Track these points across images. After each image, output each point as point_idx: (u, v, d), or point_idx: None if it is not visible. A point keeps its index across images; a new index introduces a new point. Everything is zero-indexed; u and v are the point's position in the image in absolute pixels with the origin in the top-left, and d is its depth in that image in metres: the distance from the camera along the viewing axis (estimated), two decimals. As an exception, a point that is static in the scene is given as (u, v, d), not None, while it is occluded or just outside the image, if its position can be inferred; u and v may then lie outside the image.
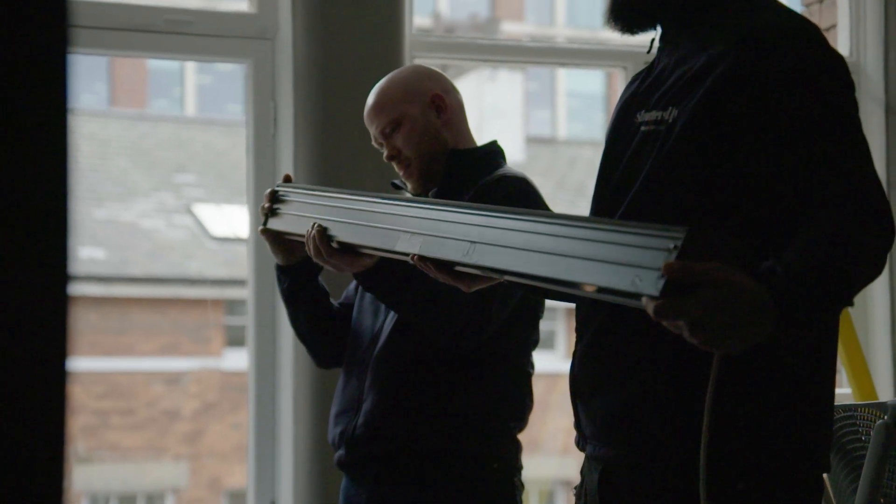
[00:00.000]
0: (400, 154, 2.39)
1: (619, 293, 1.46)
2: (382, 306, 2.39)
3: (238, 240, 12.09)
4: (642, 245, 1.45)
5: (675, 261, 1.39)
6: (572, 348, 1.81)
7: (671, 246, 1.41)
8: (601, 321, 1.74)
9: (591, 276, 1.50)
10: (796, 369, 1.67)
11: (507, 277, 1.71)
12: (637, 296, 1.43)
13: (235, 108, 15.17)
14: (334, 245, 2.15)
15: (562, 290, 1.62)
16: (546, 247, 1.59)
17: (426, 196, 2.42)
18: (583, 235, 1.54)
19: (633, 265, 1.44)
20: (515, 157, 14.73)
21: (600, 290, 1.50)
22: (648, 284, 1.41)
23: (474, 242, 1.73)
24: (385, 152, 2.42)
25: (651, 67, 1.81)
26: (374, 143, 2.45)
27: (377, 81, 2.47)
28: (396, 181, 2.49)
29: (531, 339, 2.40)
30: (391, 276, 2.24)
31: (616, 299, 1.48)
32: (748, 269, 1.45)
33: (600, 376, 1.75)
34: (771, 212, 1.62)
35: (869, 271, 1.55)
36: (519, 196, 2.31)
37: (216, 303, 12.89)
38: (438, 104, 2.42)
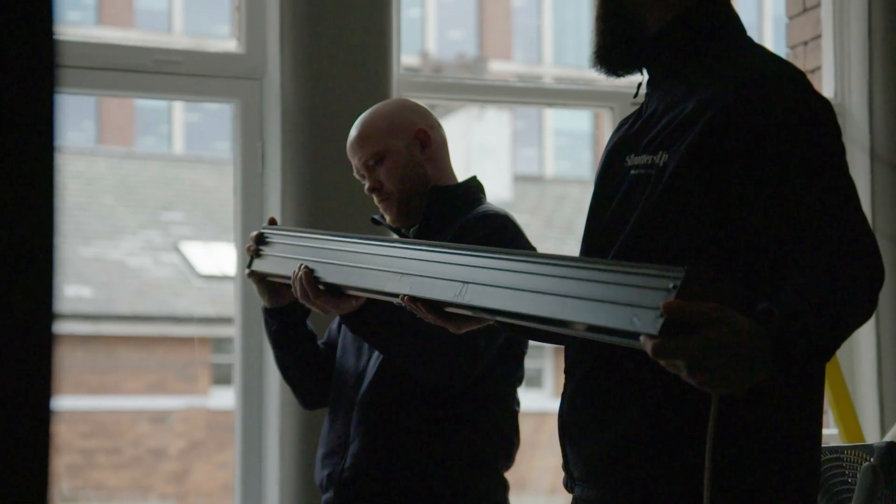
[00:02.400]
0: (381, 187, 2.40)
1: (616, 332, 1.46)
2: (365, 345, 2.38)
3: (225, 278, 12.07)
4: (640, 284, 1.45)
5: (674, 300, 1.40)
6: (561, 387, 1.81)
7: (670, 286, 1.42)
8: (591, 362, 1.74)
9: (589, 316, 1.51)
10: (784, 412, 1.67)
11: (499, 318, 1.72)
12: (635, 335, 1.43)
13: (223, 146, 15.20)
14: (321, 287, 2.15)
15: (557, 330, 1.63)
16: (541, 287, 1.59)
17: (406, 231, 2.42)
18: (580, 275, 1.54)
19: (631, 304, 1.45)
20: (503, 195, 14.77)
21: (597, 329, 1.50)
22: (647, 324, 1.42)
23: (466, 283, 1.74)
24: (366, 184, 2.42)
25: (640, 111, 1.83)
26: (355, 174, 2.45)
27: (364, 118, 2.48)
28: (376, 216, 2.49)
29: (516, 376, 2.40)
30: (378, 317, 2.24)
31: (613, 339, 1.48)
32: (745, 310, 1.46)
33: (590, 417, 1.75)
34: (761, 255, 1.64)
35: (861, 314, 1.57)
36: (502, 233, 2.31)
37: (203, 341, 12.86)
38: (423, 139, 2.42)
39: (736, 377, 1.44)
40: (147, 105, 16.48)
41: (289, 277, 2.21)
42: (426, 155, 2.41)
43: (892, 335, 3.76)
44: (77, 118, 16.05)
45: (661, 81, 1.78)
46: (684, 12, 1.76)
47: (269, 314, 2.43)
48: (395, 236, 2.47)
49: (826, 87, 3.88)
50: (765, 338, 1.45)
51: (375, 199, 2.42)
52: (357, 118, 2.49)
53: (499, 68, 18.04)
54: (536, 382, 13.84)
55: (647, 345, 1.42)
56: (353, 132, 2.44)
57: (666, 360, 1.43)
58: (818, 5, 3.94)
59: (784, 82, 1.67)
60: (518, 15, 19.04)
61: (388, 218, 2.42)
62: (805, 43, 4.00)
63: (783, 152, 1.62)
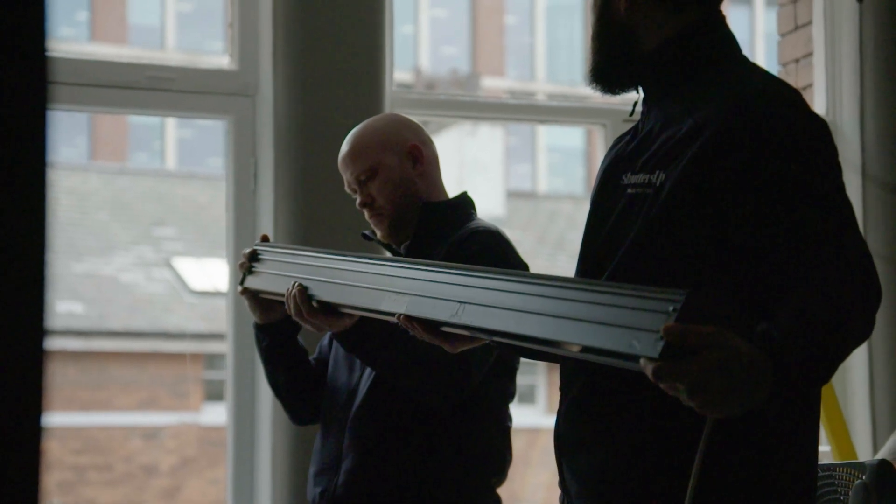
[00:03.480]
0: (373, 202, 2.39)
1: (616, 354, 1.47)
2: (357, 361, 2.38)
3: (217, 293, 12.05)
4: (640, 307, 1.46)
5: (675, 324, 1.41)
6: (552, 403, 1.82)
7: (670, 308, 1.42)
8: (586, 379, 1.74)
9: (588, 338, 1.51)
10: (781, 431, 1.68)
11: (496, 338, 1.72)
12: (635, 357, 1.44)
13: (216, 162, 15.19)
14: (314, 304, 2.14)
15: (555, 351, 1.63)
16: (540, 308, 1.59)
17: (396, 248, 2.42)
18: (578, 297, 1.55)
19: (630, 327, 1.45)
20: (496, 211, 14.78)
21: (597, 351, 1.50)
22: (647, 346, 1.42)
23: (463, 303, 1.74)
24: (358, 199, 2.41)
25: (636, 129, 1.83)
26: (346, 188, 2.45)
27: (356, 134, 2.48)
28: (367, 232, 2.49)
29: (508, 392, 2.40)
30: (371, 335, 2.23)
31: (612, 361, 1.49)
32: (744, 332, 1.47)
33: (585, 434, 1.75)
34: (758, 275, 1.64)
35: (860, 334, 1.58)
36: (493, 250, 2.31)
37: (195, 357, 12.83)
38: (416, 155, 2.42)
39: (736, 400, 1.45)
40: (140, 121, 16.48)
41: (281, 295, 2.21)
42: (418, 171, 2.42)
43: (885, 353, 3.76)
44: (70, 134, 16.04)
45: (658, 100, 1.79)
46: (680, 31, 1.77)
47: (261, 330, 2.42)
48: (388, 253, 2.47)
49: (818, 104, 3.89)
50: (765, 361, 1.46)
51: (366, 214, 2.42)
52: (358, 122, 2.49)
53: (492, 84, 18.07)
54: (529, 398, 13.82)
55: (647, 368, 1.43)
56: (346, 146, 2.44)
57: (666, 383, 1.43)
58: (810, 23, 3.96)
59: (781, 102, 1.68)
60: (511, 32, 19.09)
61: (378, 233, 2.42)
62: (797, 60, 4.02)
63: (780, 172, 1.62)
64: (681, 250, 1.67)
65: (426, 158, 2.43)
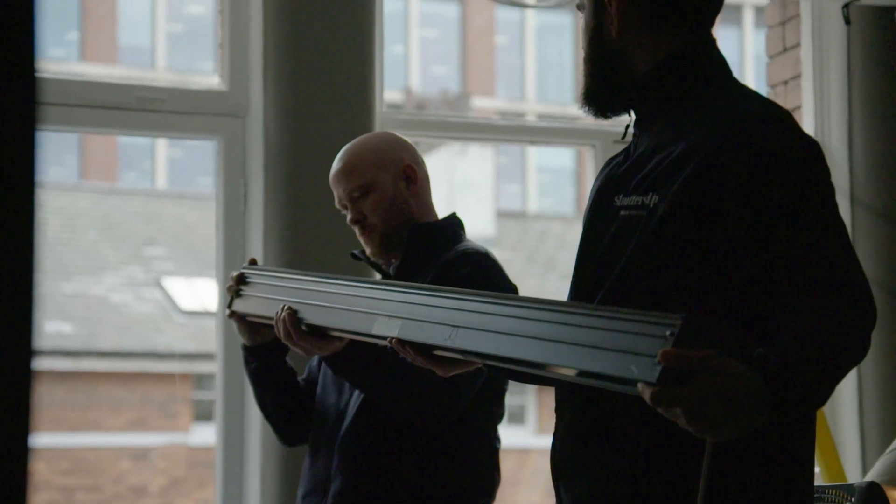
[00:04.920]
0: (365, 219, 2.39)
1: (613, 379, 1.47)
2: (347, 383, 2.37)
3: (207, 313, 12.03)
4: (637, 331, 1.46)
5: (672, 348, 1.41)
6: (542, 423, 1.81)
7: (667, 333, 1.43)
8: (583, 402, 1.74)
9: (584, 362, 1.51)
10: (778, 453, 1.68)
11: (489, 362, 1.71)
12: (632, 382, 1.44)
13: (206, 182, 15.19)
14: (304, 328, 2.14)
15: (551, 375, 1.63)
16: (535, 332, 1.59)
17: (385, 268, 2.42)
18: (574, 321, 1.55)
19: (627, 351, 1.45)
20: (486, 231, 14.79)
21: (593, 375, 1.50)
22: (645, 371, 1.42)
23: (457, 327, 1.73)
24: (349, 215, 2.41)
25: (627, 151, 1.83)
26: (337, 203, 2.44)
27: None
28: (356, 252, 2.49)
29: (497, 413, 2.40)
30: (361, 358, 2.23)
31: (608, 385, 1.49)
32: (740, 356, 1.47)
33: (583, 457, 1.75)
34: (753, 297, 1.64)
35: (856, 355, 1.58)
36: (483, 272, 2.31)
37: (185, 377, 12.80)
38: (410, 175, 2.43)
39: (734, 424, 1.45)
40: (130, 141, 16.47)
41: (270, 318, 2.20)
42: (412, 191, 2.42)
43: (874, 376, 3.77)
44: (60, 153, 16.03)
45: (649, 123, 1.79)
46: (671, 55, 1.77)
47: (249, 352, 2.42)
48: (377, 273, 2.46)
49: (806, 126, 3.90)
50: (762, 384, 1.46)
51: (357, 231, 2.42)
52: (347, 143, 2.48)
53: (482, 104, 18.11)
54: (519, 419, 13.80)
55: (645, 393, 1.43)
56: (339, 162, 2.43)
57: (664, 408, 1.43)
58: (798, 45, 3.98)
59: (773, 124, 1.69)
60: (501, 52, 19.14)
61: (368, 250, 2.42)
62: (785, 82, 4.03)
63: (774, 194, 1.63)
64: (675, 272, 1.67)
65: (419, 179, 2.43)
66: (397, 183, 2.40)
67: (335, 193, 2.44)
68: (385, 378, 2.24)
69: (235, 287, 2.34)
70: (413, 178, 2.42)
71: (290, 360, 2.46)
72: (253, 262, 2.42)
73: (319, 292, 2.13)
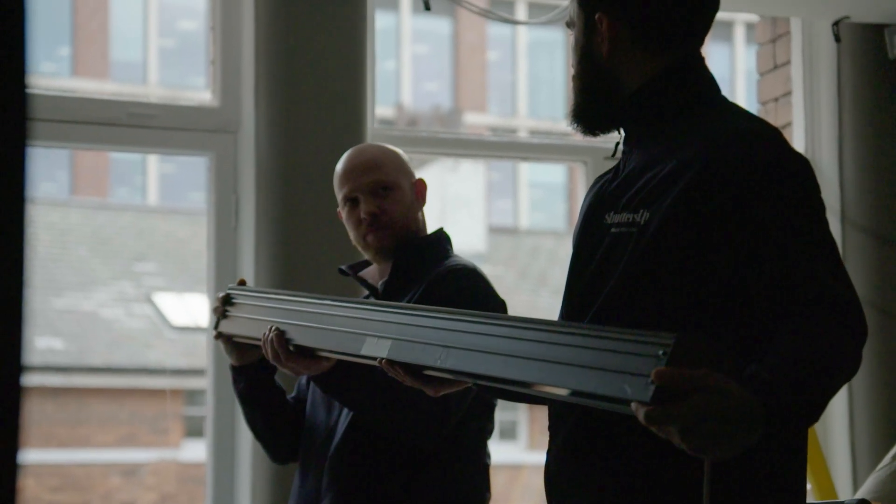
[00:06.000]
0: (384, 214, 2.38)
1: (606, 399, 1.47)
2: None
3: (198, 329, 12.01)
4: (630, 351, 1.46)
5: (665, 367, 1.41)
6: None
7: (660, 352, 1.43)
8: (577, 420, 1.74)
9: (577, 382, 1.51)
10: (771, 470, 1.68)
11: (481, 382, 1.71)
12: (625, 401, 1.44)
13: (197, 197, 15.18)
14: (292, 348, 2.13)
15: (543, 395, 1.63)
16: (527, 352, 1.59)
17: (373, 283, 2.42)
18: (567, 341, 1.55)
19: (620, 371, 1.46)
20: (478, 247, 14.79)
21: (586, 395, 1.50)
22: (638, 391, 1.43)
23: (448, 347, 1.73)
24: (364, 207, 2.38)
25: (617, 169, 1.84)
26: (345, 198, 2.40)
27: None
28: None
29: (487, 429, 2.40)
30: (350, 378, 2.22)
31: (601, 404, 1.49)
32: (733, 374, 1.47)
33: (578, 474, 1.75)
34: (744, 313, 1.65)
35: (848, 371, 1.59)
36: (471, 289, 2.32)
37: (175, 393, 12.77)
38: (420, 189, 2.45)
39: (728, 442, 1.45)
40: (121, 156, 16.46)
41: (257, 339, 2.19)
42: (418, 205, 2.44)
43: (865, 392, 3.77)
44: (51, 168, 16.01)
45: (639, 141, 1.80)
46: (660, 73, 1.78)
47: (237, 372, 2.40)
48: (364, 290, 2.46)
49: (797, 142, 3.91)
50: (755, 402, 1.47)
51: (363, 227, 2.38)
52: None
53: (474, 120, 18.14)
54: (511, 435, 13.78)
55: (639, 412, 1.43)
56: (359, 157, 2.42)
57: (658, 427, 1.44)
58: (788, 62, 3.99)
59: (762, 141, 1.69)
60: (493, 68, 19.18)
61: (373, 247, 2.40)
62: (776, 99, 4.05)
63: (763, 210, 1.63)
64: (666, 289, 1.68)
65: (425, 196, 2.45)
66: (412, 192, 2.42)
67: (347, 187, 2.40)
68: (374, 397, 2.24)
69: (221, 308, 2.33)
70: (422, 193, 2.44)
71: (278, 379, 2.45)
72: (242, 283, 2.41)
73: (307, 313, 2.12)
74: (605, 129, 1.85)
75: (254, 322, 2.23)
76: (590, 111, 1.83)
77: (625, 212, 1.74)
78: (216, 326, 2.34)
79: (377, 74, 3.44)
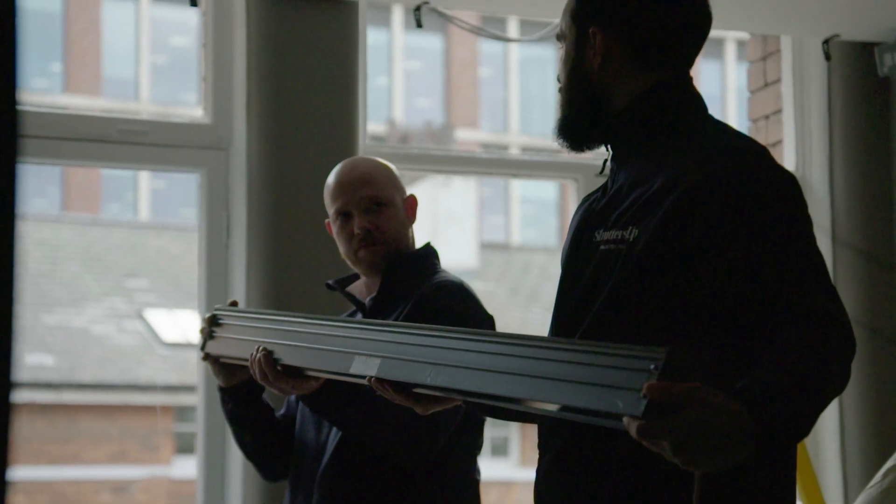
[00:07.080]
0: (377, 230, 2.38)
1: (598, 414, 1.47)
2: (324, 419, 2.36)
3: (189, 345, 11.99)
4: (621, 366, 1.46)
5: (657, 382, 1.42)
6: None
7: (651, 367, 1.43)
8: (568, 435, 1.74)
9: (569, 397, 1.51)
10: (760, 486, 1.68)
11: (472, 399, 1.71)
12: (617, 416, 1.44)
13: (189, 213, 15.18)
14: (279, 368, 2.12)
15: (530, 409, 1.62)
16: (518, 368, 1.59)
17: (361, 299, 2.41)
18: (558, 356, 1.55)
19: (612, 386, 1.46)
20: (469, 263, 14.79)
21: (577, 410, 1.50)
22: (630, 405, 1.43)
23: (438, 364, 1.72)
24: (358, 222, 2.38)
25: (605, 187, 1.84)
26: (338, 211, 2.40)
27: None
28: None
29: (476, 445, 2.39)
30: (339, 397, 2.22)
31: (593, 419, 1.49)
32: (724, 388, 1.48)
33: (568, 490, 1.75)
34: (734, 329, 1.65)
35: (837, 385, 1.60)
36: (459, 305, 2.32)
37: (166, 409, 12.74)
38: (411, 205, 2.45)
39: (720, 456, 1.45)
40: (113, 172, 16.45)
41: (244, 359, 2.18)
42: (410, 221, 2.44)
43: (855, 407, 3.77)
44: (42, 184, 16.00)
45: (627, 158, 1.80)
46: (648, 91, 1.78)
47: (225, 392, 2.39)
48: (352, 305, 2.45)
49: (787, 160, 3.92)
50: (747, 417, 1.47)
51: (358, 243, 2.38)
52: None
53: (466, 137, 18.16)
54: (502, 451, 13.76)
55: (631, 426, 1.43)
56: (353, 171, 2.42)
57: (650, 441, 1.44)
58: (779, 80, 4.01)
59: (750, 157, 1.70)
60: (485, 84, 19.22)
61: (363, 264, 2.39)
62: (767, 117, 4.06)
63: (751, 226, 1.64)
64: (656, 306, 1.68)
65: (416, 213, 2.45)
66: (404, 208, 2.42)
67: (340, 201, 2.40)
68: (363, 416, 2.23)
69: (208, 329, 2.32)
70: (413, 209, 2.44)
71: (266, 397, 2.44)
72: (234, 305, 2.40)
73: (295, 332, 2.11)
74: (591, 146, 1.85)
75: (241, 342, 2.22)
76: (577, 126, 1.83)
77: (614, 229, 1.74)
78: (203, 347, 2.33)
79: (369, 91, 3.45)
